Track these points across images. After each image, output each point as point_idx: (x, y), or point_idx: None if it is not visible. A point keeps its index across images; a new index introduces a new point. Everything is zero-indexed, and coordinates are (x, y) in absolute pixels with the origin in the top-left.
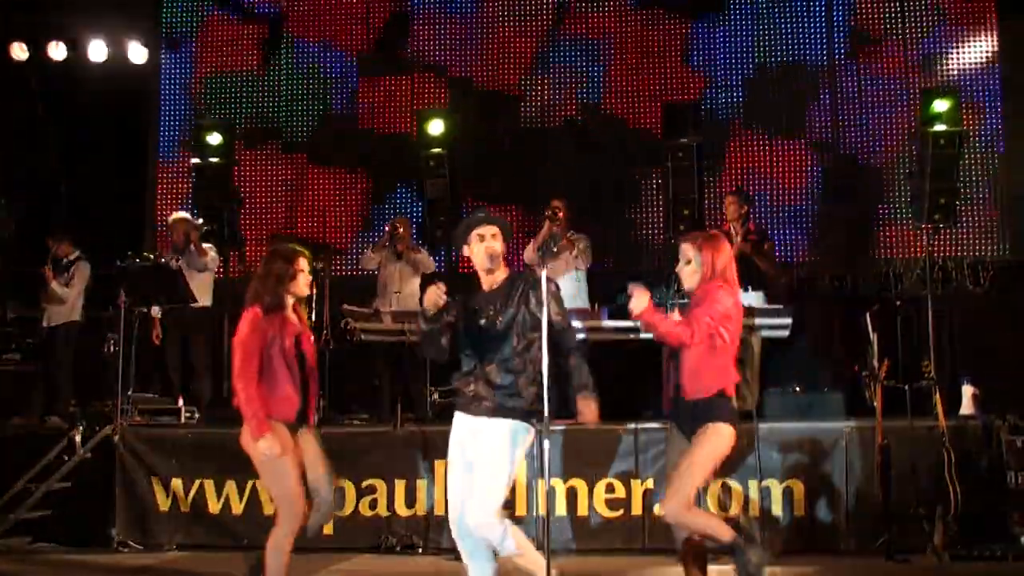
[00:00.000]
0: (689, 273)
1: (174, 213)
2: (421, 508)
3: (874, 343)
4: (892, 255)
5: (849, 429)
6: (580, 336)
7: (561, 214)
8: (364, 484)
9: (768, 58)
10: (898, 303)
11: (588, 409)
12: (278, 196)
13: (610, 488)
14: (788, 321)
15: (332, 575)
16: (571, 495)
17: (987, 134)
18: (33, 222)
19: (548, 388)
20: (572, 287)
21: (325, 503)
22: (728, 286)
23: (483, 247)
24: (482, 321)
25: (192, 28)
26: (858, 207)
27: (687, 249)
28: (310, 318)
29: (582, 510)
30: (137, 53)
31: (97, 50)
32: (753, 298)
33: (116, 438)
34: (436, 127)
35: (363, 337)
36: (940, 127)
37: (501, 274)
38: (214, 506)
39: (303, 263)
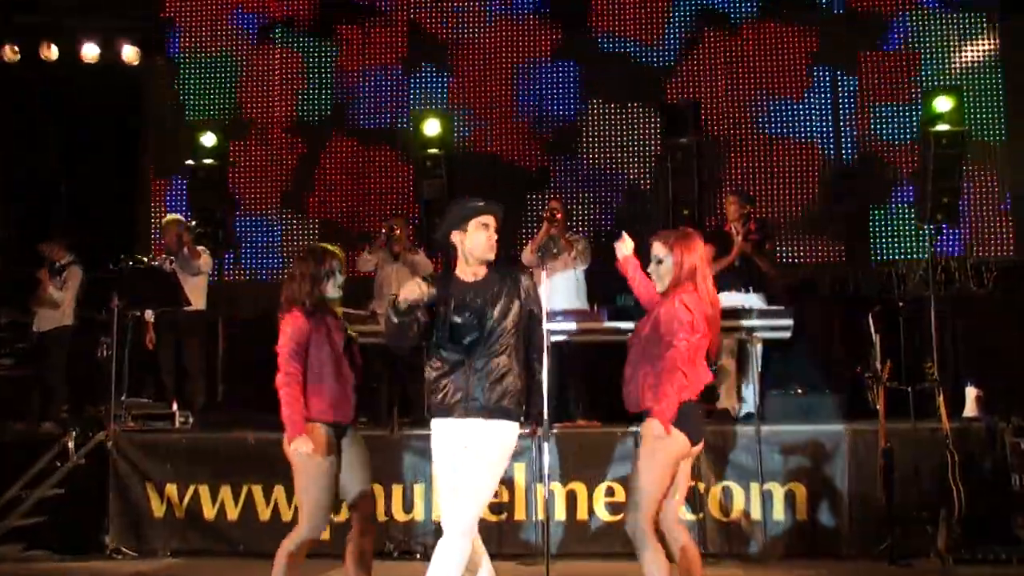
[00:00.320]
0: (661, 274)
1: (167, 215)
2: (419, 513)
3: (876, 344)
4: (894, 256)
5: (851, 432)
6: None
7: (559, 216)
8: None
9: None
10: (900, 304)
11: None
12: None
13: (610, 491)
14: (789, 322)
15: None
16: (571, 499)
17: (990, 134)
18: (33, 223)
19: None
20: (571, 288)
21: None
22: (695, 292)
23: (485, 236)
24: (471, 315)
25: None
26: (859, 207)
27: (658, 248)
28: None
29: (582, 514)
30: (130, 53)
31: (91, 51)
32: (754, 299)
33: (109, 444)
34: (432, 127)
35: (360, 340)
36: (942, 127)
37: (483, 267)
38: (209, 512)
39: (335, 264)
